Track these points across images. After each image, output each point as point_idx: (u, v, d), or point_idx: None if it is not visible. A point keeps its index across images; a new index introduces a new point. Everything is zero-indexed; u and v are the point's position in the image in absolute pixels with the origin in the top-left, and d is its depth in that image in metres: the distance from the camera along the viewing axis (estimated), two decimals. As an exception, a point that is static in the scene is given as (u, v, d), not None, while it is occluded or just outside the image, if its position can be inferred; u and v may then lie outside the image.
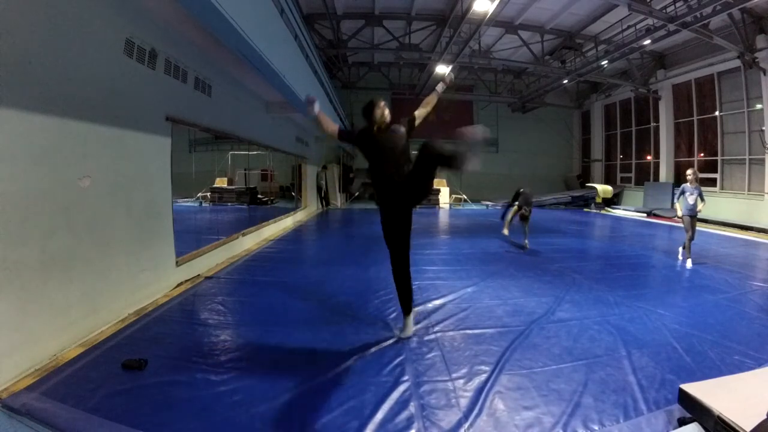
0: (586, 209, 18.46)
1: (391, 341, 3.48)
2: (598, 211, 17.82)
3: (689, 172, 6.88)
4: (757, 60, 11.85)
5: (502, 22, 14.64)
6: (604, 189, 18.39)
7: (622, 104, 20.16)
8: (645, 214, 15.43)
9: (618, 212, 17.09)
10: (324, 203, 17.00)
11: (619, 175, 20.61)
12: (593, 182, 20.45)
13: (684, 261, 6.85)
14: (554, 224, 12.92)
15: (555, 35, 15.53)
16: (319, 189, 16.64)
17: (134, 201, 4.16)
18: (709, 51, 13.93)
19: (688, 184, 6.83)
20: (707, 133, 15.17)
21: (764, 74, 11.80)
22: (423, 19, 14.92)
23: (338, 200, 18.77)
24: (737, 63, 12.76)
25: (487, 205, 19.66)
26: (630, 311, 4.33)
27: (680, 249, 7.23)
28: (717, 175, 14.43)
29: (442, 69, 15.55)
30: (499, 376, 2.88)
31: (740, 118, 13.55)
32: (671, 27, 10.83)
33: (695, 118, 15.48)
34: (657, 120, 17.21)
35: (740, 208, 13.16)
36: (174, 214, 4.96)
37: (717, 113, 14.35)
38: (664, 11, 10.78)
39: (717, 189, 14.36)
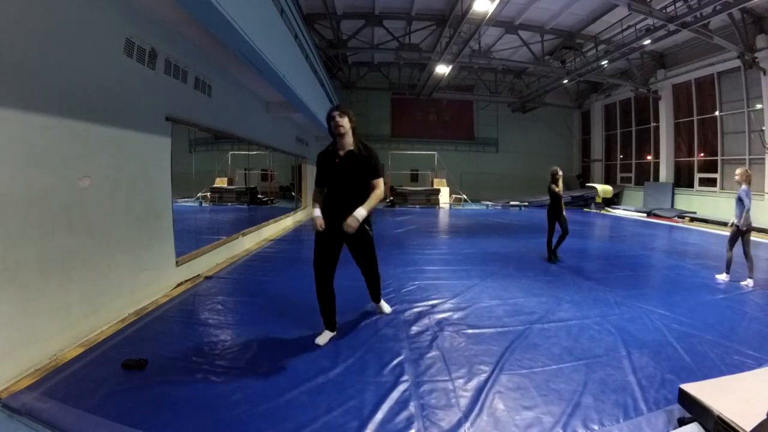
0: (586, 209, 18.47)
1: (391, 341, 3.48)
2: (598, 211, 17.83)
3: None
4: (757, 60, 11.85)
5: (502, 22, 14.66)
6: (604, 189, 18.38)
7: (622, 104, 20.16)
8: (645, 214, 15.43)
9: (618, 212, 17.08)
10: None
11: (619, 175, 20.61)
12: (593, 182, 20.45)
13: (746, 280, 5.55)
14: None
15: (555, 35, 15.53)
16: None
17: (134, 201, 4.16)
18: (710, 51, 13.92)
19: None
20: (707, 133, 15.17)
21: (764, 74, 11.80)
22: (423, 19, 14.93)
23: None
24: (737, 63, 12.76)
25: (487, 205, 19.67)
26: (630, 311, 4.33)
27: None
28: (717, 175, 14.43)
29: (443, 69, 15.60)
30: (499, 376, 2.88)
31: (740, 118, 13.55)
32: (671, 27, 10.83)
33: (695, 118, 15.48)
34: (657, 120, 17.21)
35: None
36: (174, 214, 4.96)
37: (717, 113, 14.35)
38: (664, 11, 10.78)
39: (717, 189, 14.36)
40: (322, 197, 3.44)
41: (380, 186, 3.37)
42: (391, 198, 19.10)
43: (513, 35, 15.36)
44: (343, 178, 3.30)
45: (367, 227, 3.42)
